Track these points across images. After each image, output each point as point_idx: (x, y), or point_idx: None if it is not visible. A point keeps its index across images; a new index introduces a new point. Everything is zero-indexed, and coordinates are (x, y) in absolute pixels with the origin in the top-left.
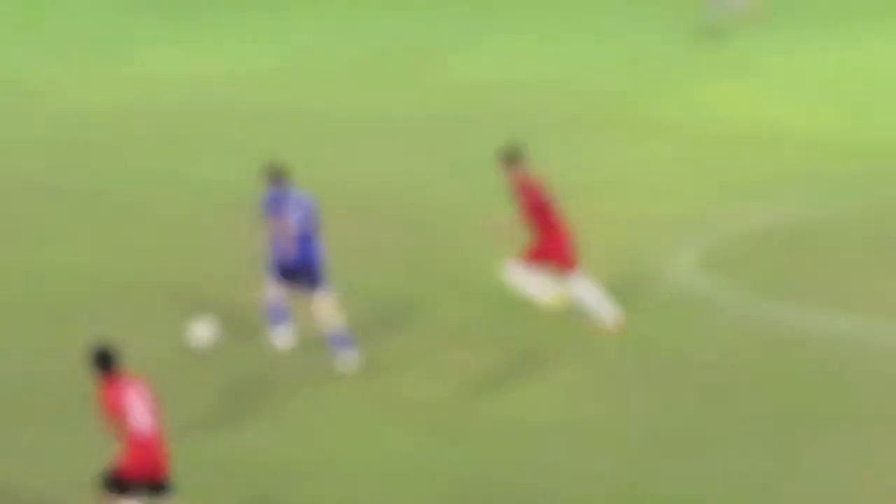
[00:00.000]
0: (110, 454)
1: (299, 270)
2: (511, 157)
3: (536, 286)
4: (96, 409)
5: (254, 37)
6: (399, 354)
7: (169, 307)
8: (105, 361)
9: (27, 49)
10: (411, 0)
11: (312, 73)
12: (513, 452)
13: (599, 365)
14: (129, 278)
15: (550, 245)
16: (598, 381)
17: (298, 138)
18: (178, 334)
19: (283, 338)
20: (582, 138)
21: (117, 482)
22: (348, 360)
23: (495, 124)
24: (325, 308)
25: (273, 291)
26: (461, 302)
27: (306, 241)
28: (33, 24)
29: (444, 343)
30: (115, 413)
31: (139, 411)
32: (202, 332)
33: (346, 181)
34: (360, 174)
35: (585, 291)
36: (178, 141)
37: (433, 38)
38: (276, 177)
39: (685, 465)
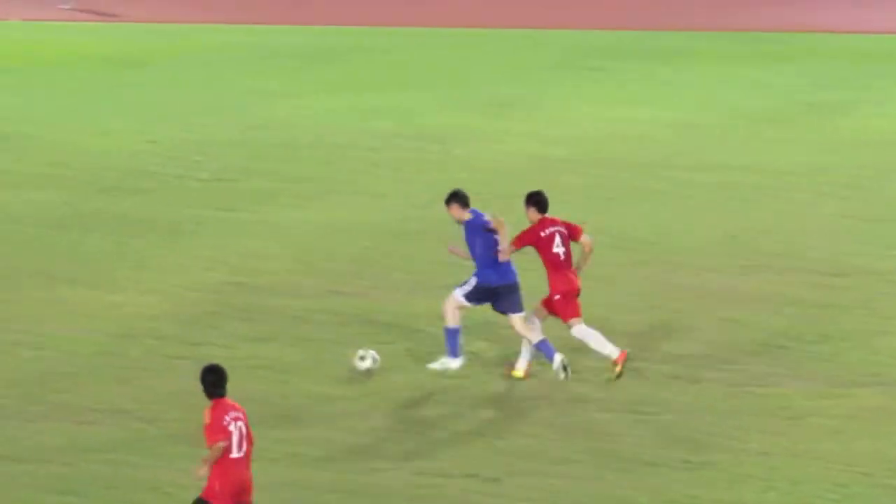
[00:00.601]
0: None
1: (502, 291)
2: None
3: None
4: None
5: (660, 90)
6: None
7: None
8: (217, 383)
9: (446, 103)
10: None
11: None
12: None
13: None
14: None
15: None
16: None
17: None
18: None
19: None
20: None
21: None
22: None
23: None
24: (519, 324)
25: (459, 315)
26: None
27: (508, 262)
28: (452, 80)
29: None
30: (221, 434)
31: (238, 438)
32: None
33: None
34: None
35: None
36: (602, 191)
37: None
38: (466, 199)
39: None
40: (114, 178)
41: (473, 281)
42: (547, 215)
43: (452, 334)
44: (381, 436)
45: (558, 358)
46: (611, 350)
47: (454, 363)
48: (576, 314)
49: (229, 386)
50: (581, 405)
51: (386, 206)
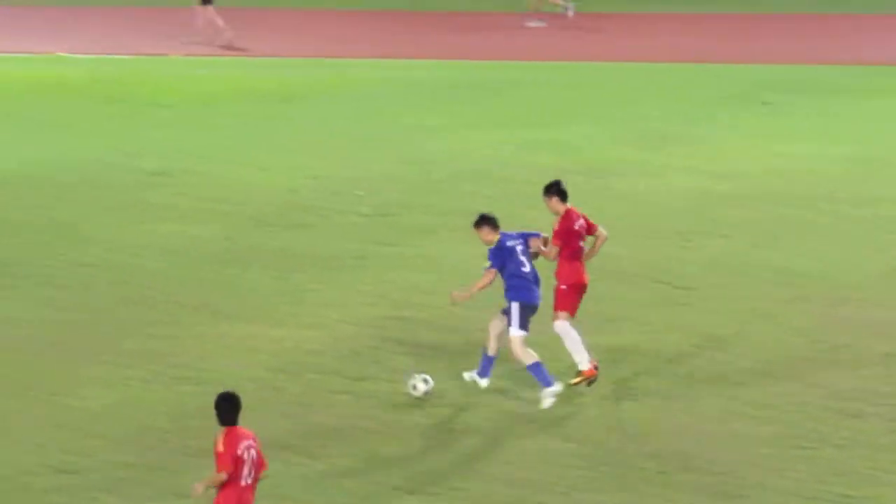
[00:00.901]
0: None
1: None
2: None
3: None
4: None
5: (827, 124)
6: None
7: None
8: (231, 411)
9: (607, 136)
10: None
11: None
12: None
13: None
14: None
15: None
16: None
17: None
18: None
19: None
20: None
21: None
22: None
23: None
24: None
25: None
26: None
27: (536, 282)
28: (614, 114)
29: None
30: (231, 465)
31: (249, 466)
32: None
33: None
34: None
35: None
36: (764, 226)
37: None
38: (497, 222)
39: None
40: (274, 212)
41: (515, 308)
42: (569, 205)
43: (536, 368)
44: (557, 469)
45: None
46: (582, 359)
47: (554, 388)
48: (568, 309)
49: (398, 418)
50: (743, 440)
51: None
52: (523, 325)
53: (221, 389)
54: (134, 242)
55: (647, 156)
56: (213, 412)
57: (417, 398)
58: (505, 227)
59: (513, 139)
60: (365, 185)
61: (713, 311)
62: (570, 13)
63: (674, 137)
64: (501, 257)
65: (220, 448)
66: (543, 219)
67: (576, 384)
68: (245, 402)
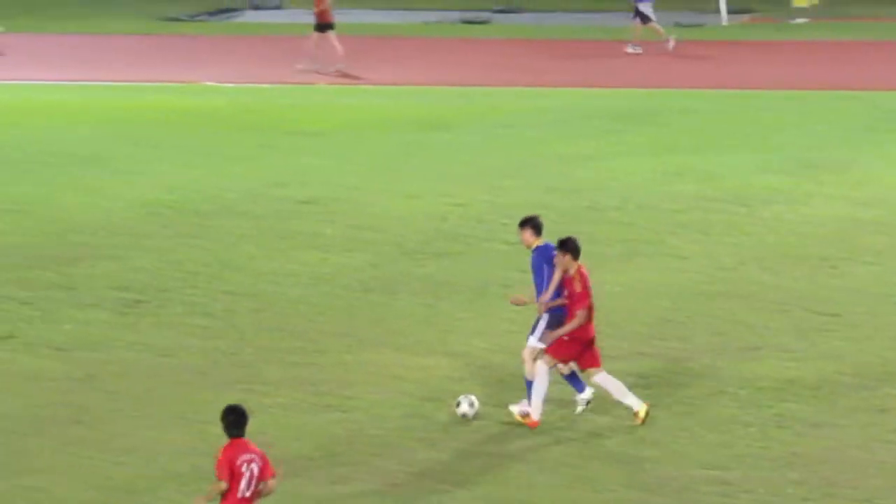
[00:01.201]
0: None
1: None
2: None
3: None
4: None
5: None
6: None
7: None
8: (236, 423)
9: (752, 164)
10: None
11: None
12: None
13: None
14: None
15: None
16: None
17: None
18: None
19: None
20: None
21: None
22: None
23: None
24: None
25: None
26: None
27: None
28: (759, 142)
29: None
30: (228, 474)
31: (248, 479)
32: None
33: None
34: None
35: None
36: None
37: None
38: (541, 227)
39: None
40: (420, 240)
41: (544, 319)
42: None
43: (571, 378)
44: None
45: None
46: (536, 406)
47: (585, 395)
48: (559, 355)
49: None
50: (888, 467)
51: (690, 268)
52: (543, 338)
53: (367, 417)
54: (278, 270)
55: (792, 183)
56: (360, 440)
57: (464, 417)
58: (650, 254)
59: (658, 167)
60: (511, 213)
61: (859, 339)
62: (671, 44)
63: (819, 165)
64: (542, 262)
65: (220, 457)
66: (686, 247)
67: (518, 422)
68: (390, 429)
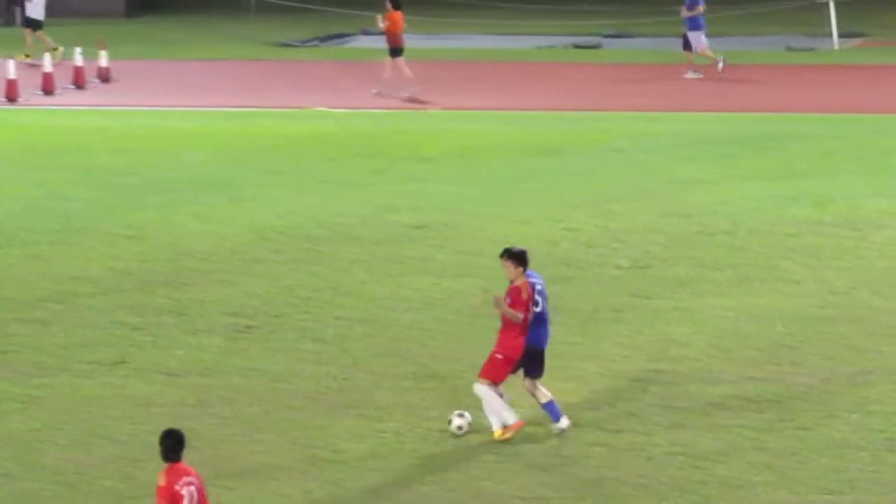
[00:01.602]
0: None
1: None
2: None
3: None
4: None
5: None
6: None
7: None
8: (174, 448)
9: (864, 189)
10: None
11: None
12: None
13: None
14: None
15: None
16: None
17: None
18: None
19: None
20: None
21: None
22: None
23: None
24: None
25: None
26: None
27: (546, 324)
28: (872, 166)
29: None
30: (165, 497)
31: (187, 502)
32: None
33: None
34: None
35: None
36: None
37: None
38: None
39: None
40: (531, 265)
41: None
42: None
43: (548, 406)
44: None
45: (565, 421)
46: (497, 421)
47: (561, 424)
48: (492, 376)
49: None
50: None
51: (802, 292)
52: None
53: (479, 442)
54: (390, 295)
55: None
56: (474, 465)
57: (456, 433)
58: (762, 279)
59: (771, 191)
60: (624, 238)
61: None
62: (721, 65)
63: None
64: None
65: (161, 483)
66: (798, 271)
67: (499, 440)
68: (499, 453)
